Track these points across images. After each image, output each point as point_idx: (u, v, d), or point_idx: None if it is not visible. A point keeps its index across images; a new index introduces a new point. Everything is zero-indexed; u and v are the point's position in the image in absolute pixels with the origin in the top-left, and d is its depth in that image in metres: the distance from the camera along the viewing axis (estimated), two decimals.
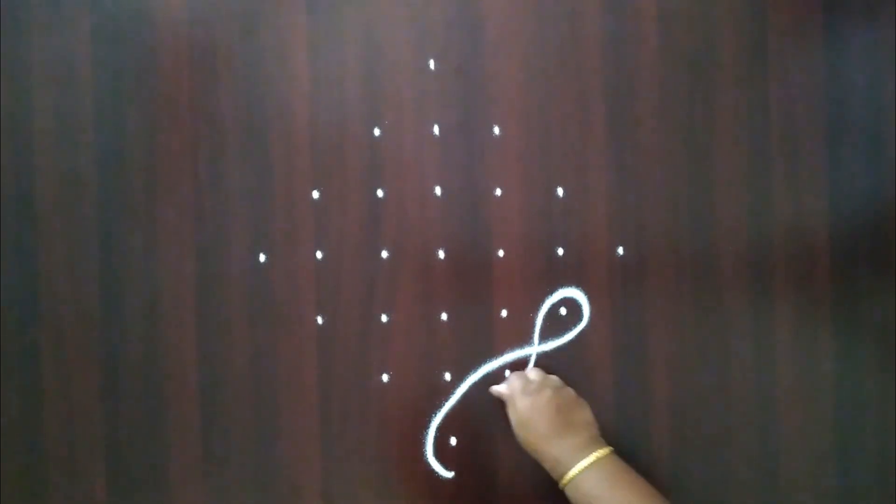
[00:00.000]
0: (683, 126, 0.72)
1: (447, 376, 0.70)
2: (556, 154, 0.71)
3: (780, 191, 0.73)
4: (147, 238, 0.68)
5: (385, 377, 0.70)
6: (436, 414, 0.70)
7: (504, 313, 0.71)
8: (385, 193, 0.70)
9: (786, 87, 0.73)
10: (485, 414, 0.70)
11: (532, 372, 0.68)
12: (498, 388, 0.69)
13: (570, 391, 0.67)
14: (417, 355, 0.70)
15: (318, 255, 0.69)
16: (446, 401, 0.70)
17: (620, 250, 0.72)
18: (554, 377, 0.68)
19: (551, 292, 0.71)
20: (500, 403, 0.69)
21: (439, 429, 0.70)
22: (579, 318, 0.71)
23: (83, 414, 0.68)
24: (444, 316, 0.70)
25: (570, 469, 0.61)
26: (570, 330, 0.71)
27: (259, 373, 0.69)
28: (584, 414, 0.66)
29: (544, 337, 0.71)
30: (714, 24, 0.72)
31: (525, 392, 0.65)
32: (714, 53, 0.72)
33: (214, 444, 0.69)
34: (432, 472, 0.70)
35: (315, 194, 0.69)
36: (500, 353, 0.71)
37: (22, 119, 0.67)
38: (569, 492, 0.61)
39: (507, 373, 0.70)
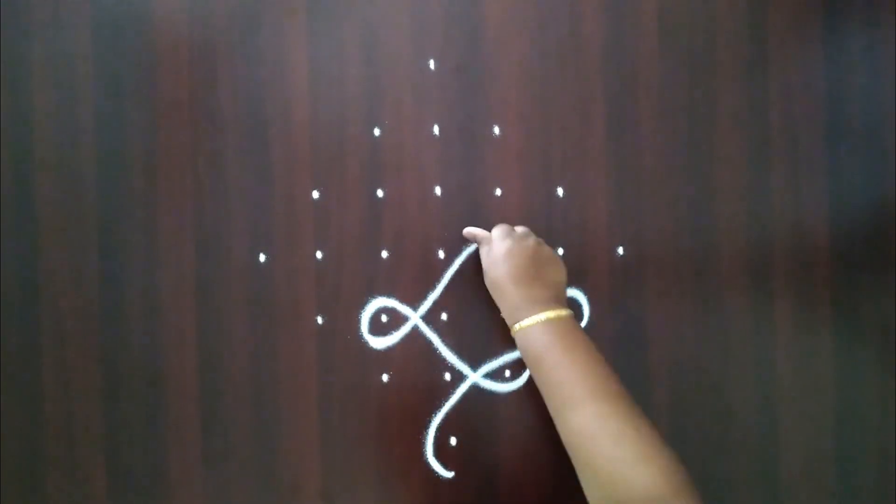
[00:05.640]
0: (683, 126, 0.72)
1: (447, 376, 0.70)
2: (556, 154, 0.71)
3: (780, 191, 0.73)
4: (147, 238, 0.68)
5: (385, 377, 0.70)
6: (436, 414, 0.70)
7: None
8: (385, 193, 0.70)
9: (786, 87, 0.73)
10: (485, 414, 0.70)
11: (519, 228, 0.67)
12: (475, 230, 0.68)
13: (551, 249, 0.66)
14: (417, 355, 0.70)
15: (318, 255, 0.69)
16: (446, 401, 0.70)
17: (620, 250, 0.72)
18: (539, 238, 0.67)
19: None
20: (499, 403, 0.69)
21: (439, 429, 0.70)
22: (579, 318, 0.71)
23: (83, 414, 0.68)
24: (443, 316, 0.70)
25: (524, 318, 0.61)
26: None
27: (259, 373, 0.69)
28: (558, 274, 0.65)
29: None
30: (714, 24, 0.72)
31: (507, 236, 0.64)
32: (714, 53, 0.72)
33: (214, 444, 0.69)
34: (432, 472, 0.70)
35: (315, 194, 0.69)
36: (500, 353, 0.71)
37: (22, 119, 0.67)
38: (517, 339, 0.62)
39: (507, 372, 0.70)
